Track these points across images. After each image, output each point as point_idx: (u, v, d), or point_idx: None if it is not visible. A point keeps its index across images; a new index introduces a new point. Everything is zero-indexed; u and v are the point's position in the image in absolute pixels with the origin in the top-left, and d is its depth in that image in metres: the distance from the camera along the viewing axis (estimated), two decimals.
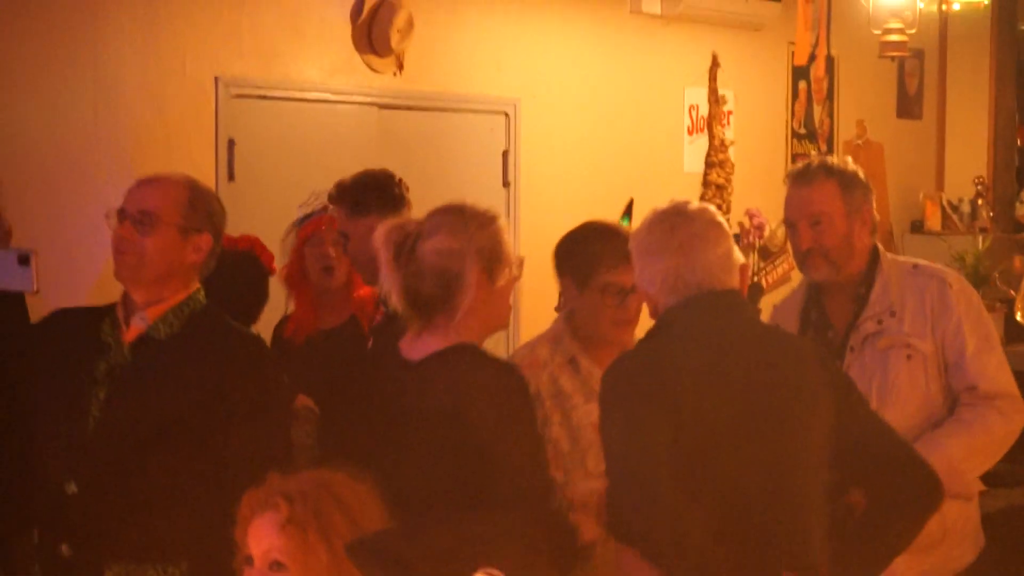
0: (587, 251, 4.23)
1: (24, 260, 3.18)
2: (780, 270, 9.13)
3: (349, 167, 5.64)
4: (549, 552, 3.20)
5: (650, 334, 3.57)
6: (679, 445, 3.33)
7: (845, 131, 10.02)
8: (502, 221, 3.60)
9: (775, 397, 3.46)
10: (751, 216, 9.02)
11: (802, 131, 9.67)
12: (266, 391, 3.52)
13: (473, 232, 3.53)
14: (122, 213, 3.49)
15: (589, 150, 8.20)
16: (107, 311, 3.57)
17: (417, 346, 3.57)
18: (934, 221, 10.49)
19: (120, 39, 6.15)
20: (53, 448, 3.44)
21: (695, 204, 3.63)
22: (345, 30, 6.98)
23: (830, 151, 9.84)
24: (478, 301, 3.51)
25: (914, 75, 10.65)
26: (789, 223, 4.45)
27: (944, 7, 9.42)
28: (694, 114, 8.85)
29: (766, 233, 9.10)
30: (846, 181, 4.39)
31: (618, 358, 3.61)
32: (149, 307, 3.48)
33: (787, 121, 9.57)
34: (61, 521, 3.39)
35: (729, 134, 8.97)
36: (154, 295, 3.48)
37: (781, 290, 9.36)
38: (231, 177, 6.52)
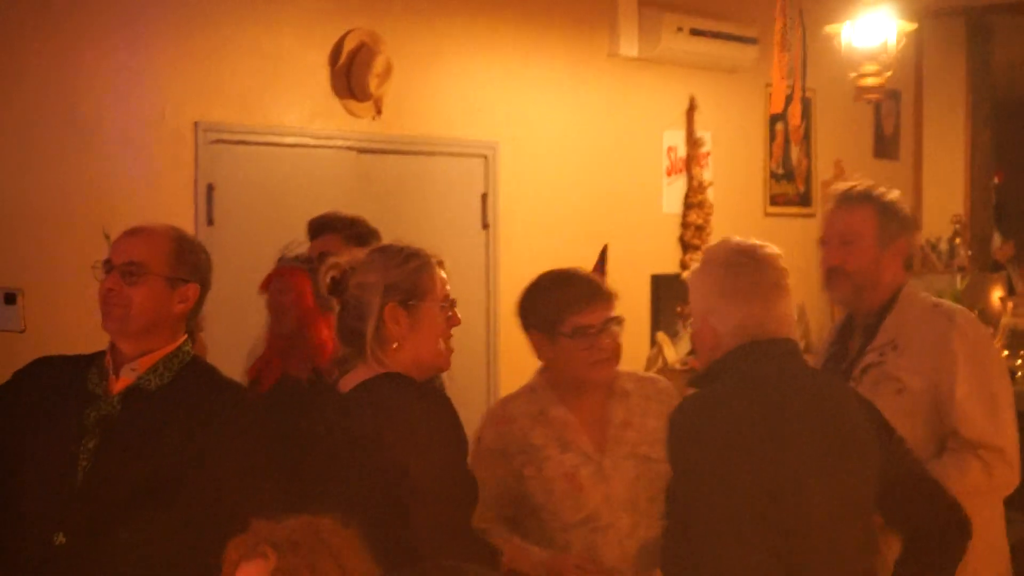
0: (549, 300, 4.28)
1: (10, 299, 3.19)
2: None
3: (328, 210, 5.68)
4: None
5: (708, 377, 3.60)
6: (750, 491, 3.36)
7: (823, 171, 10.07)
8: (429, 261, 3.74)
9: (832, 444, 3.48)
10: None
11: (780, 171, 9.72)
12: (256, 444, 3.53)
13: (391, 267, 3.66)
14: (108, 264, 3.51)
15: (568, 192, 8.22)
16: (92, 360, 3.57)
17: (349, 380, 3.67)
18: (913, 260, 10.55)
19: (99, 86, 6.16)
20: (41, 498, 3.42)
21: (769, 248, 3.68)
22: (324, 75, 7.00)
23: (808, 191, 9.90)
24: (394, 336, 3.62)
25: (890, 116, 10.72)
26: (823, 241, 4.53)
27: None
28: (672, 155, 8.89)
29: None
30: (885, 210, 4.46)
31: (680, 407, 3.62)
32: (138, 358, 3.48)
33: (765, 162, 9.61)
34: (49, 572, 3.37)
35: (707, 175, 9.04)
36: (143, 346, 3.49)
37: None
38: (210, 222, 6.52)
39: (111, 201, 6.20)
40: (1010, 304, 9.11)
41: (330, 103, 7.04)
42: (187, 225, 6.44)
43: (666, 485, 4.09)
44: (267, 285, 5.43)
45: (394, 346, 3.63)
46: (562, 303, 4.20)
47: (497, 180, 7.78)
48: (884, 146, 10.75)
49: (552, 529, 4.16)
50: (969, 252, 10.57)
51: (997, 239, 11.45)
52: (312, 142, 6.95)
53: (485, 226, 7.74)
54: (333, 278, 3.74)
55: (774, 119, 9.59)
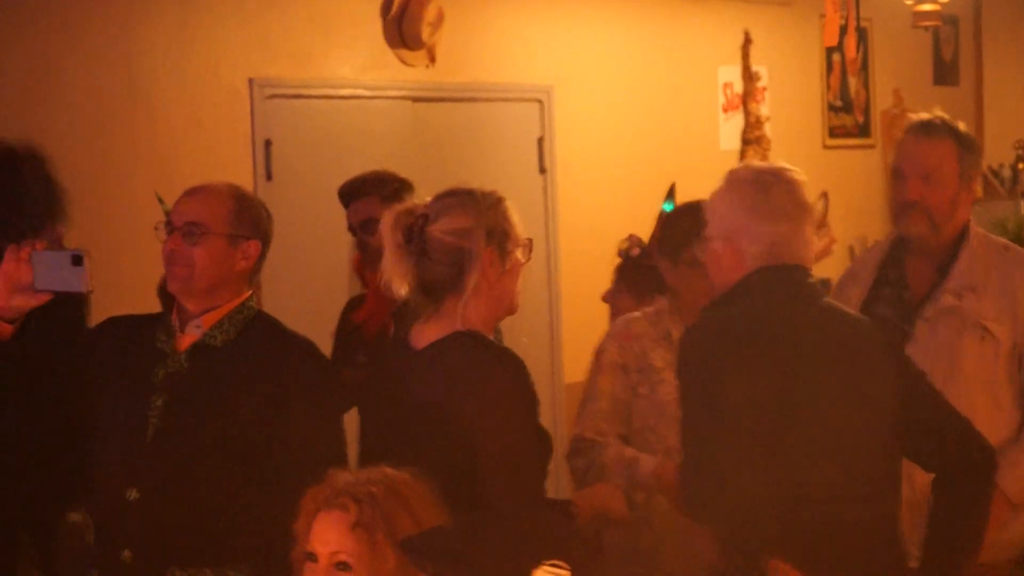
0: (676, 227, 4.28)
1: (77, 260, 3.19)
2: (821, 244, 9.12)
3: (385, 161, 5.69)
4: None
5: (724, 301, 3.56)
6: (752, 414, 3.35)
7: (881, 101, 9.98)
8: (505, 199, 3.57)
9: (843, 375, 3.46)
10: None
11: (838, 103, 9.64)
12: (323, 396, 3.54)
13: (484, 210, 3.48)
14: (170, 226, 3.51)
15: (624, 133, 8.20)
16: (159, 318, 3.60)
17: (423, 334, 3.53)
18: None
19: (153, 47, 6.20)
20: (113, 455, 3.46)
21: (796, 172, 3.61)
22: (376, 26, 7.00)
23: (867, 122, 9.82)
24: (487, 282, 3.46)
25: (949, 42, 10.60)
26: (899, 173, 4.36)
27: None
28: (728, 92, 8.84)
29: None
30: (965, 144, 4.35)
31: (690, 329, 3.62)
32: (203, 315, 3.51)
33: (822, 94, 9.53)
34: (122, 527, 3.42)
35: (764, 110, 8.98)
36: (207, 303, 3.51)
37: (823, 263, 9.37)
38: (269, 177, 6.56)
39: (169, 160, 6.25)
40: None
41: (383, 54, 7.05)
42: (246, 181, 6.48)
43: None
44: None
45: (480, 295, 3.47)
46: (687, 231, 4.15)
47: (553, 124, 7.77)
48: (943, 73, 10.63)
49: (656, 451, 4.20)
50: None
51: None
52: (367, 93, 6.97)
53: (542, 171, 7.74)
54: (408, 226, 3.51)
55: (831, 50, 9.49)
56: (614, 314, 4.98)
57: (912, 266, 4.44)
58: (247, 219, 3.56)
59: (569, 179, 7.84)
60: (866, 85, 9.86)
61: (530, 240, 3.60)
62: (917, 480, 3.87)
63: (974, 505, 3.59)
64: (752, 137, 8.87)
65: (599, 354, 4.37)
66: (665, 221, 4.44)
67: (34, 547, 4.11)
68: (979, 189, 4.46)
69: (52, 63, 5.93)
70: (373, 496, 2.73)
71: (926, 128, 4.39)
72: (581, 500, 3.93)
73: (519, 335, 4.27)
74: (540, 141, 7.71)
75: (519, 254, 3.55)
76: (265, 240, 3.61)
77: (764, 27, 8.98)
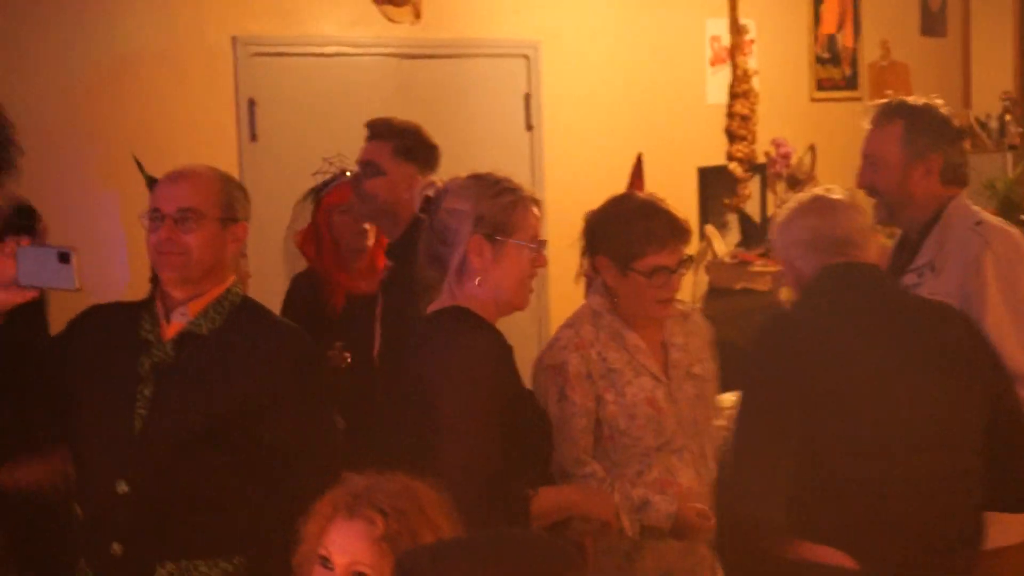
0: (629, 232, 4.12)
1: (64, 258, 3.13)
2: None
3: (371, 119, 5.65)
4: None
5: (802, 298, 3.64)
6: (822, 412, 3.39)
7: (869, 53, 9.93)
8: (524, 197, 3.61)
9: (926, 370, 3.47)
10: (777, 145, 9.00)
11: (826, 55, 9.59)
12: (311, 383, 3.50)
13: (482, 197, 3.56)
14: (157, 213, 3.43)
15: (612, 88, 8.13)
16: (143, 306, 3.54)
17: (433, 306, 3.62)
18: (959, 172, 10.41)
19: (136, 6, 6.12)
20: (101, 447, 3.41)
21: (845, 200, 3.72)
22: None
23: (855, 74, 9.78)
24: (472, 268, 3.53)
25: None
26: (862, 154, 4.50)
27: None
28: (715, 45, 8.78)
29: (793, 161, 9.09)
30: (914, 125, 4.36)
31: (762, 325, 3.65)
32: (189, 302, 3.46)
33: (810, 47, 9.48)
34: (112, 520, 3.38)
35: (752, 63, 8.93)
36: (194, 290, 3.46)
37: None
38: (253, 138, 6.49)
39: (151, 121, 6.18)
40: None
41: (368, 10, 6.97)
42: (230, 142, 6.44)
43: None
44: (340, 204, 5.48)
45: (476, 281, 3.54)
46: (643, 238, 4.08)
47: (540, 80, 7.70)
48: (931, 23, 10.58)
49: (633, 454, 4.11)
50: (1020, 129, 10.42)
51: None
52: (352, 51, 6.89)
53: (529, 127, 7.68)
54: (427, 197, 3.69)
55: (818, 1, 9.46)
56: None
57: (902, 251, 4.48)
58: (235, 200, 3.51)
59: (556, 136, 7.79)
60: (855, 36, 9.81)
61: (540, 242, 3.61)
62: None
63: None
64: (740, 91, 8.82)
65: (561, 367, 4.12)
66: (608, 221, 4.20)
67: (11, 545, 4.08)
68: (943, 163, 4.36)
69: (34, 24, 5.85)
70: (400, 511, 2.67)
71: (877, 113, 4.46)
72: (574, 495, 3.88)
73: None
74: (527, 97, 7.65)
75: (521, 250, 3.56)
76: (248, 220, 3.58)
77: None
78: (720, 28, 8.77)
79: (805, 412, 3.39)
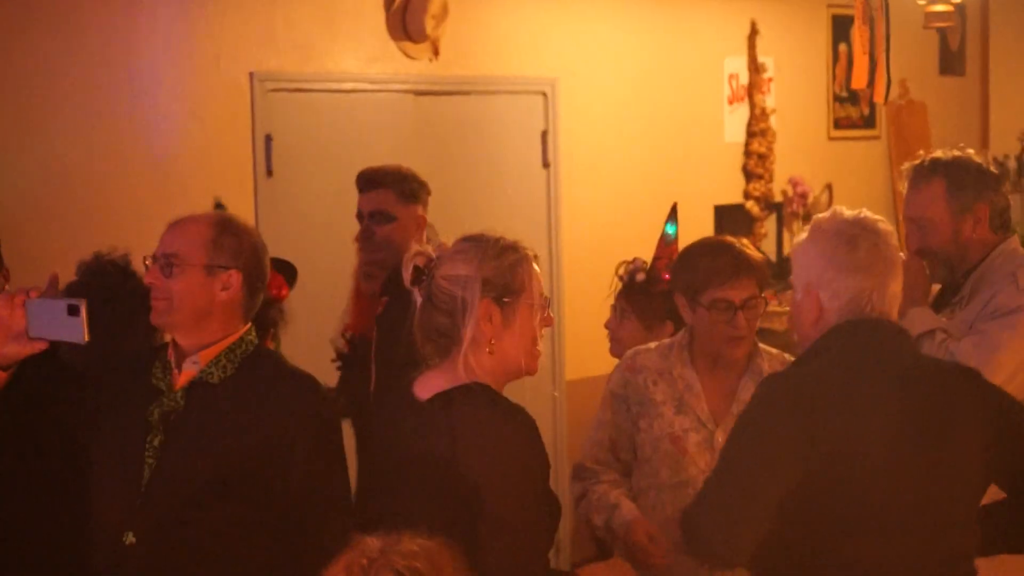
0: (696, 267, 4.18)
1: (74, 311, 3.11)
2: None
3: (387, 156, 5.65)
4: None
5: (808, 356, 3.45)
6: (817, 479, 3.26)
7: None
8: (527, 255, 3.40)
9: (930, 433, 3.34)
10: (794, 184, 8.99)
11: (844, 94, 9.58)
12: (324, 435, 3.46)
13: (486, 260, 3.35)
14: (152, 258, 3.45)
15: (629, 126, 8.14)
16: (156, 353, 3.52)
17: (428, 383, 3.40)
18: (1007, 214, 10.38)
19: (154, 38, 6.14)
20: (110, 497, 3.39)
21: (884, 223, 3.49)
22: (379, 18, 6.94)
23: (873, 113, 9.77)
24: (484, 336, 3.34)
25: (956, 31, 10.52)
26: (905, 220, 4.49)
27: None
28: (734, 83, 8.78)
29: (809, 200, 9.08)
30: (954, 180, 4.38)
31: (768, 378, 3.55)
32: (200, 351, 3.43)
33: (828, 85, 9.47)
34: (120, 572, 3.34)
35: (770, 102, 8.93)
36: (198, 338, 3.43)
37: None
38: (269, 173, 6.50)
39: (169, 155, 6.20)
40: None
41: (386, 47, 6.99)
42: (246, 177, 6.45)
43: None
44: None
45: (488, 349, 3.35)
46: (707, 273, 4.12)
47: (557, 117, 7.71)
48: (949, 62, 10.56)
49: (650, 485, 4.20)
50: None
51: None
52: (370, 87, 6.91)
53: (546, 165, 7.68)
54: (416, 267, 3.41)
55: (837, 40, 9.46)
56: (615, 342, 4.92)
57: (941, 288, 4.53)
58: (226, 248, 3.46)
59: (573, 173, 7.79)
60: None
61: (545, 299, 3.43)
62: None
63: None
64: (757, 129, 8.82)
65: (607, 382, 4.36)
66: (683, 257, 4.31)
67: None
68: (991, 209, 4.39)
69: (52, 54, 5.86)
70: (418, 573, 2.58)
71: (914, 174, 4.47)
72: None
73: None
74: (544, 135, 7.65)
75: (531, 311, 3.39)
76: (247, 270, 3.49)
77: (771, 17, 8.92)
78: (739, 66, 8.77)
79: (799, 463, 3.28)
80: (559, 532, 3.93)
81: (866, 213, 3.50)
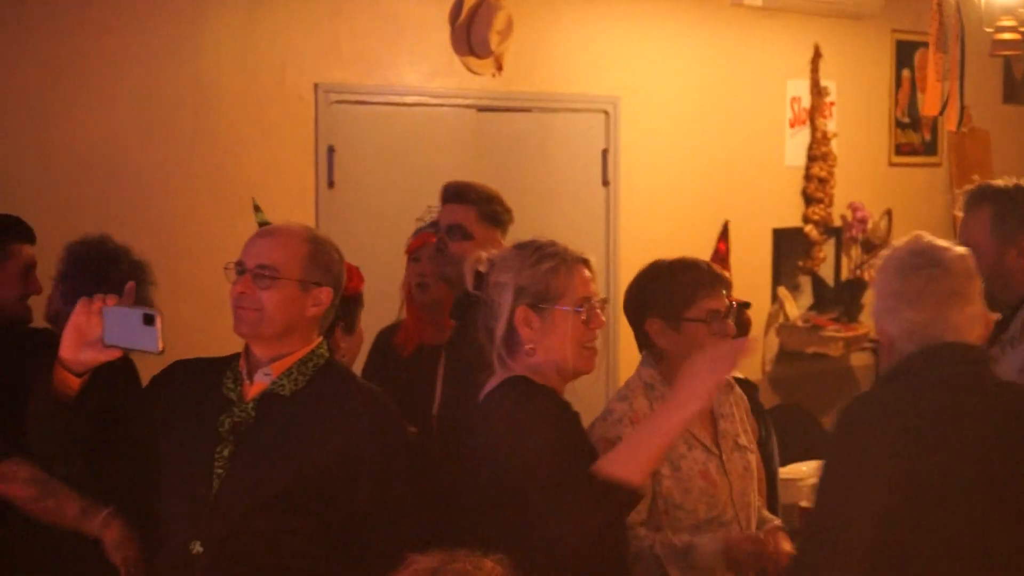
0: (677, 283, 4.06)
1: (149, 320, 3.10)
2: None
3: (448, 170, 5.66)
4: None
5: (889, 378, 3.46)
6: (898, 503, 3.26)
7: (951, 118, 9.85)
8: (566, 261, 3.52)
9: (1008, 459, 3.32)
10: (854, 209, 8.94)
11: (906, 120, 9.53)
12: (393, 450, 3.45)
13: (522, 268, 3.51)
14: (240, 266, 3.41)
15: (689, 146, 8.12)
16: (228, 363, 3.50)
17: (490, 383, 3.57)
18: None
19: (219, 50, 6.17)
20: (179, 506, 3.38)
21: (955, 250, 3.46)
22: (443, 33, 6.96)
23: (934, 140, 9.72)
24: (527, 340, 3.50)
25: (1020, 60, 10.46)
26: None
27: None
28: (796, 106, 8.74)
29: (869, 226, 9.02)
30: (1003, 208, 4.35)
31: (854, 401, 3.52)
32: (272, 362, 3.42)
33: (890, 110, 9.42)
34: None
35: (831, 126, 8.89)
36: (276, 350, 3.42)
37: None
38: (331, 184, 6.52)
39: (232, 165, 6.23)
40: None
41: (450, 61, 7.00)
42: (307, 188, 6.47)
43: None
44: (412, 252, 5.37)
45: (528, 349, 3.50)
46: (693, 286, 4.02)
47: (618, 136, 7.69)
48: (1013, 90, 10.47)
49: (685, 527, 4.01)
50: None
51: None
52: (432, 101, 6.92)
53: (605, 183, 7.67)
54: (477, 272, 3.60)
55: (900, 66, 9.41)
56: None
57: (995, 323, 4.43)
58: (320, 264, 3.46)
59: (632, 192, 7.77)
60: None
61: (592, 302, 3.53)
62: None
63: None
64: (818, 153, 8.78)
65: (615, 441, 3.89)
66: (652, 280, 4.13)
67: None
68: None
69: (118, 65, 5.92)
70: None
71: (966, 199, 4.49)
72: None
73: None
74: (604, 153, 7.64)
75: (568, 316, 3.49)
76: (336, 286, 3.50)
77: (834, 41, 8.88)
78: (801, 89, 8.74)
79: (883, 500, 3.28)
80: None
81: (936, 241, 3.47)
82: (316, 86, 6.47)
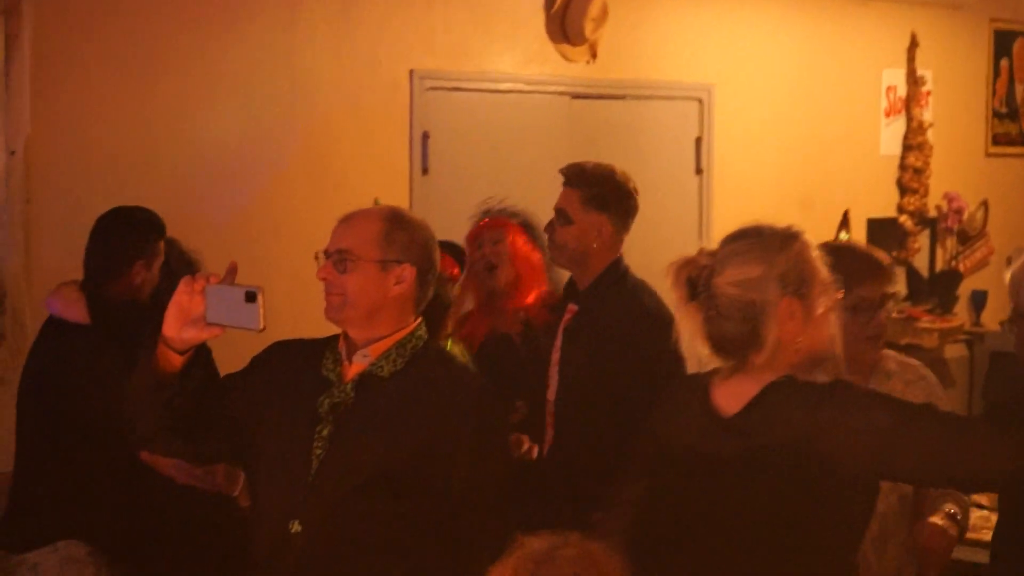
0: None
1: (251, 297, 3.10)
2: (979, 254, 8.96)
3: (541, 157, 5.67)
4: None
5: None
6: None
7: None
8: (803, 238, 3.16)
9: None
10: (950, 200, 8.87)
11: (1003, 110, 9.43)
12: (490, 434, 3.41)
13: (773, 254, 3.09)
14: (325, 253, 3.42)
15: (784, 134, 8.08)
16: (327, 344, 3.50)
17: (731, 395, 3.15)
18: None
19: (315, 38, 6.22)
20: (278, 485, 3.38)
21: None
22: (538, 20, 6.98)
23: None
24: (793, 335, 3.09)
25: None
26: None
27: None
28: (891, 96, 8.69)
29: (964, 217, 8.95)
30: None
31: None
32: (369, 344, 3.41)
33: (987, 100, 9.33)
34: (284, 560, 3.33)
35: (927, 115, 8.82)
36: (370, 332, 3.40)
37: (979, 274, 9.20)
38: (425, 171, 6.56)
39: (327, 151, 6.28)
40: None
41: (544, 48, 7.02)
42: (402, 174, 6.51)
43: None
44: (476, 238, 5.38)
45: (790, 347, 3.09)
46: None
47: (712, 124, 7.68)
48: None
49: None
50: None
51: None
52: (526, 88, 6.94)
53: (699, 171, 7.66)
54: (690, 278, 3.15)
55: (999, 55, 9.32)
56: None
57: None
58: (397, 242, 3.42)
59: (725, 180, 7.75)
60: None
61: (835, 280, 3.19)
62: None
63: None
64: (914, 143, 8.71)
65: None
66: None
67: None
68: None
69: (218, 60, 5.97)
70: None
71: None
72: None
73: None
74: (698, 141, 7.63)
75: (826, 296, 3.14)
76: (420, 263, 3.45)
77: (931, 30, 8.81)
78: (897, 78, 8.68)
79: None
80: None
81: None
82: (411, 73, 6.51)
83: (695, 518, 3.18)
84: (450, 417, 3.34)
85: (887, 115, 8.65)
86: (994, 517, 3.71)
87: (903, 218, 8.67)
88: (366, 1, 6.38)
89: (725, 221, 7.64)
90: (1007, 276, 3.56)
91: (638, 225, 7.14)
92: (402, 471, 3.31)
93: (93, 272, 4.74)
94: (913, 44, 8.74)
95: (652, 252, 6.87)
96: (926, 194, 8.76)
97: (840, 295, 3.18)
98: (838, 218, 8.21)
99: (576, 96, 7.11)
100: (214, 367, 3.51)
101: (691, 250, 3.25)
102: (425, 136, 6.55)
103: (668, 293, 3.32)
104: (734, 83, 7.79)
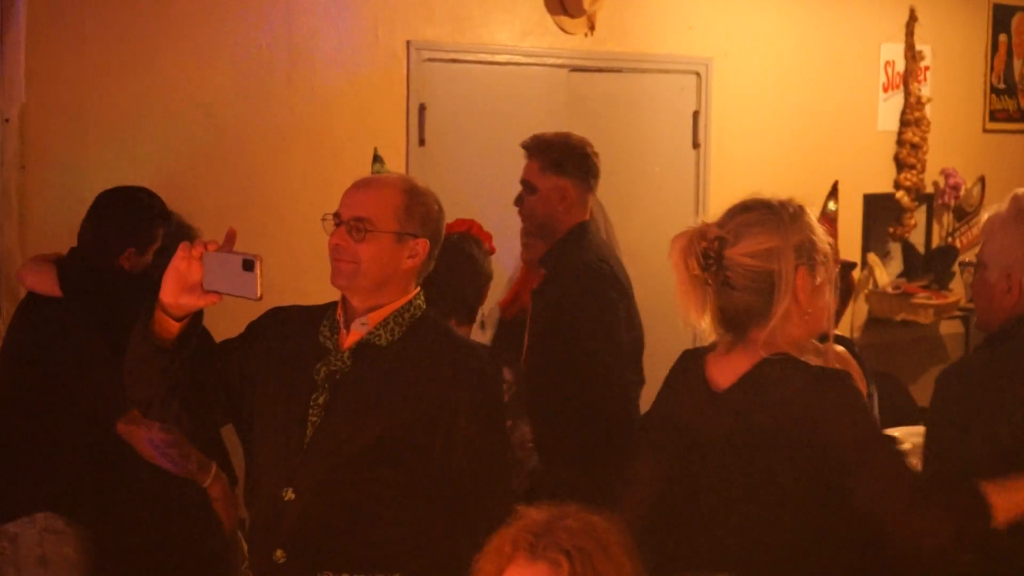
0: None
1: (248, 265, 3.09)
2: (975, 231, 8.95)
3: (538, 129, 5.60)
4: None
5: (994, 340, 3.34)
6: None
7: None
8: (802, 206, 3.20)
9: None
10: (947, 176, 8.86)
11: (1001, 86, 9.41)
12: (488, 405, 3.42)
13: (788, 225, 3.10)
14: (337, 218, 3.40)
15: (781, 109, 8.06)
16: (325, 312, 3.50)
17: (726, 367, 3.17)
18: None
19: (313, 9, 6.20)
20: (273, 452, 3.39)
21: None
22: None
23: None
24: (798, 305, 3.09)
25: None
26: None
27: None
28: (890, 70, 8.66)
29: (961, 193, 8.94)
30: None
31: (956, 367, 3.44)
32: (369, 312, 3.41)
33: (985, 76, 9.31)
34: (277, 526, 3.35)
35: (926, 91, 8.80)
36: (372, 300, 3.40)
37: (975, 251, 9.19)
38: (422, 142, 6.54)
39: (324, 122, 6.25)
40: None
41: (543, 20, 6.99)
42: (399, 145, 6.49)
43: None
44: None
45: (791, 318, 3.09)
46: None
47: (709, 98, 7.66)
48: None
49: None
50: None
51: None
52: (524, 60, 6.91)
53: (696, 145, 7.64)
54: (703, 251, 3.12)
55: (997, 30, 9.30)
56: None
57: None
58: (416, 216, 3.43)
59: (722, 154, 7.73)
60: None
61: (833, 246, 3.21)
62: None
63: None
64: (912, 118, 8.69)
65: None
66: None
67: None
68: None
69: (214, 24, 5.95)
70: (584, 551, 2.54)
71: None
72: None
73: (663, 315, 4.17)
74: (695, 115, 7.61)
75: (826, 267, 3.14)
76: (433, 238, 3.47)
77: (930, 4, 8.78)
78: (895, 53, 8.66)
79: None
80: None
81: None
82: (408, 44, 6.48)
83: (699, 494, 3.18)
84: (449, 387, 3.34)
85: (885, 90, 8.64)
86: None
87: (900, 194, 8.66)
88: None
89: (722, 195, 7.64)
90: (982, 218, 3.53)
91: (636, 197, 7.19)
92: (398, 440, 3.32)
93: (82, 248, 4.72)
94: (912, 19, 8.71)
95: (649, 225, 6.93)
96: (923, 170, 8.74)
97: (835, 266, 3.19)
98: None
99: (574, 69, 7.09)
100: (208, 334, 3.51)
101: (688, 223, 3.25)
102: (422, 108, 6.52)
103: (664, 263, 3.28)
104: (732, 57, 7.77)
